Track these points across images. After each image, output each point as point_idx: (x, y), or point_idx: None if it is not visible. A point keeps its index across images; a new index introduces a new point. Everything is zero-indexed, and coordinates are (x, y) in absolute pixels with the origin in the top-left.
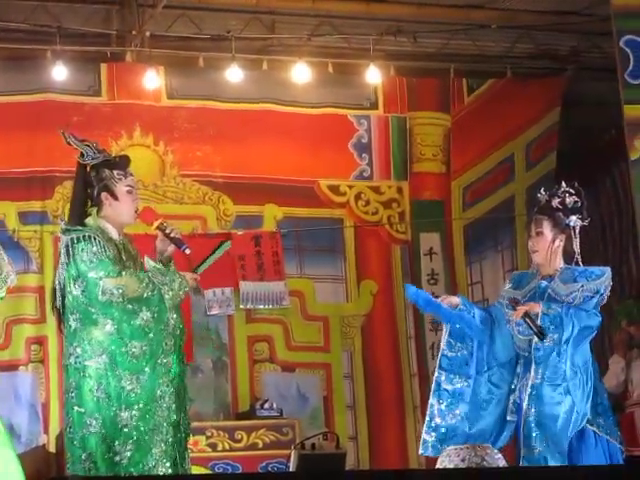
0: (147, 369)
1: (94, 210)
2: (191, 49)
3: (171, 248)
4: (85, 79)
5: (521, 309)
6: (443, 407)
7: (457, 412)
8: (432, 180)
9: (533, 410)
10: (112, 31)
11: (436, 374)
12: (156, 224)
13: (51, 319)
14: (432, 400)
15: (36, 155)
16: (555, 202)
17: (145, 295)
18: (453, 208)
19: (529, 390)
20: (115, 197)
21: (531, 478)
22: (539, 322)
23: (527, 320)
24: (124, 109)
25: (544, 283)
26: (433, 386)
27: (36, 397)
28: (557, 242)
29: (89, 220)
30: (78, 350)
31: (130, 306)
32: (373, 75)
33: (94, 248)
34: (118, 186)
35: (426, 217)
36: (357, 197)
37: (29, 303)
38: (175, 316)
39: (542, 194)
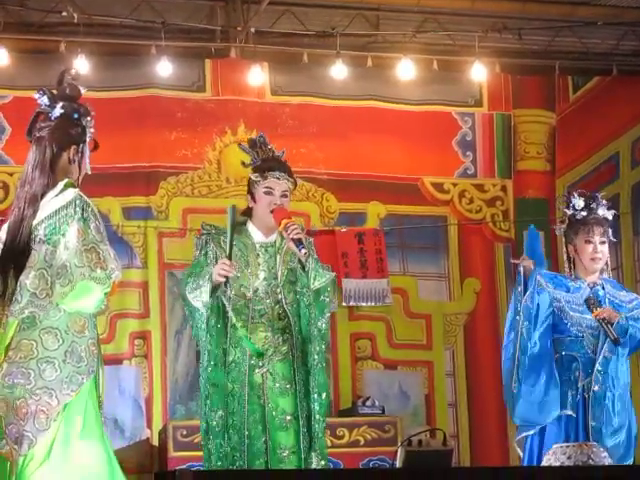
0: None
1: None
2: (295, 45)
3: (295, 248)
4: (189, 75)
5: (606, 311)
6: None
7: None
8: (536, 178)
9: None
10: (217, 27)
11: None
12: (283, 224)
13: (155, 314)
14: None
15: (140, 150)
16: (605, 213)
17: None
18: (557, 206)
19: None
20: (254, 200)
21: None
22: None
23: (604, 324)
24: (228, 105)
25: (599, 290)
26: None
27: (139, 391)
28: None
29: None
30: None
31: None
32: (478, 72)
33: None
34: (257, 188)
35: (530, 215)
36: (461, 195)
37: (133, 298)
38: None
39: (575, 197)
